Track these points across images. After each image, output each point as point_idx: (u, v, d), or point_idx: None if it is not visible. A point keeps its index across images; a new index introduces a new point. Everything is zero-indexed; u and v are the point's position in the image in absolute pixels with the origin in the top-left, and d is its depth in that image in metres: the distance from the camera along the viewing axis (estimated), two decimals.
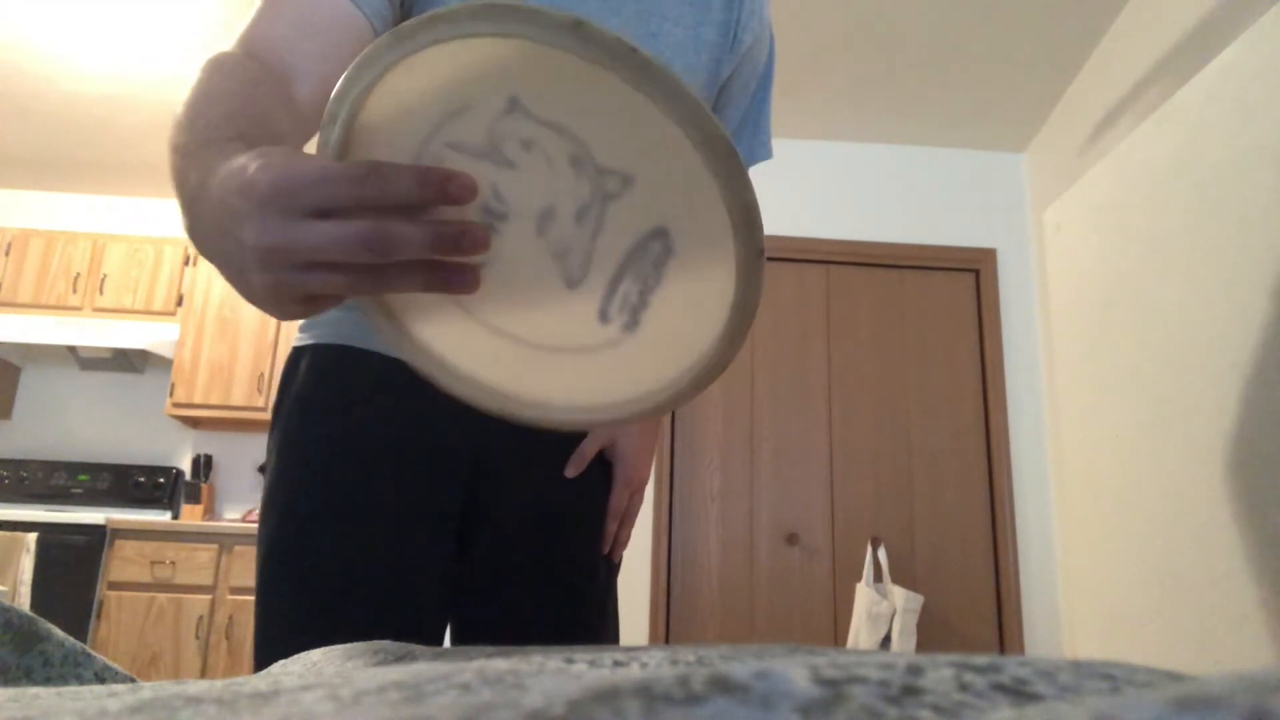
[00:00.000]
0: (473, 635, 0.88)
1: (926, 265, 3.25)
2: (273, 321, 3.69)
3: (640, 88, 0.37)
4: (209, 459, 3.71)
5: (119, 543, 3.16)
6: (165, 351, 3.63)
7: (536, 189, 0.43)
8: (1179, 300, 2.24)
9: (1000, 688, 0.17)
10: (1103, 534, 2.58)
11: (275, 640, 0.77)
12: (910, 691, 0.17)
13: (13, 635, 0.51)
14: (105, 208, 4.07)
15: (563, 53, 0.37)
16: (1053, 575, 2.96)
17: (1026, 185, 3.33)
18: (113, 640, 3.06)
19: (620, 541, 0.95)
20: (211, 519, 3.64)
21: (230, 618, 3.10)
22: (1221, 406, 2.04)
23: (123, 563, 3.14)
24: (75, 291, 3.71)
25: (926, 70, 2.95)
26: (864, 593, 2.77)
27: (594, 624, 0.91)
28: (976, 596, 2.95)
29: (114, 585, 3.12)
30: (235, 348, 3.65)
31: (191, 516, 3.55)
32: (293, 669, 0.42)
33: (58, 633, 0.53)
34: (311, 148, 0.51)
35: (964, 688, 0.17)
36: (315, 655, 0.44)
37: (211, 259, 0.45)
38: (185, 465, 3.81)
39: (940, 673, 0.18)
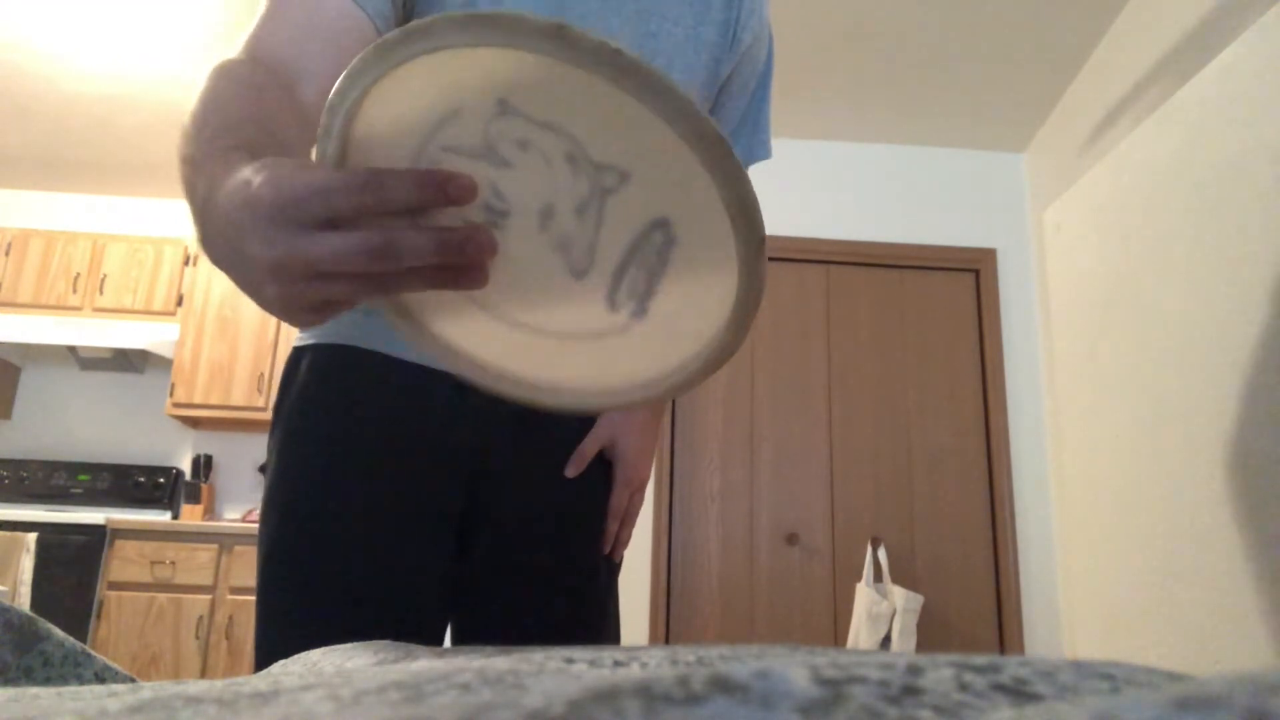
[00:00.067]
0: (473, 635, 0.88)
1: (926, 265, 3.25)
2: (273, 321, 3.69)
3: (628, 89, 0.37)
4: (209, 459, 3.71)
5: (119, 543, 3.16)
6: (165, 351, 3.63)
7: (535, 187, 0.43)
8: (1179, 300, 2.24)
9: (1000, 688, 0.17)
10: (1103, 534, 2.58)
11: (275, 640, 0.77)
12: (910, 691, 0.17)
13: (13, 635, 0.51)
14: (105, 208, 4.08)
15: (548, 58, 0.37)
16: (1053, 575, 2.96)
17: (1026, 185, 3.33)
18: (113, 640, 3.06)
19: (621, 541, 0.95)
20: (211, 519, 3.64)
21: (230, 618, 3.10)
22: (1221, 406, 2.04)
23: (123, 563, 3.14)
24: (75, 291, 3.71)
25: (926, 70, 2.95)
26: (864, 593, 2.77)
27: (594, 624, 0.91)
28: (976, 596, 2.95)
29: (114, 585, 3.12)
30: (235, 348, 3.65)
31: (191, 516, 3.55)
32: (293, 669, 0.42)
33: (58, 633, 0.53)
34: None
35: (964, 688, 0.17)
36: (315, 655, 0.44)
37: (224, 270, 0.46)
38: (185, 465, 3.81)
39: (940, 673, 0.18)
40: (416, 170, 0.40)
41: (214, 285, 3.70)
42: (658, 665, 0.28)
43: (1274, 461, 1.87)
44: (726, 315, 0.44)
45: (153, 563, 3.14)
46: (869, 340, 3.17)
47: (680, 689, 0.16)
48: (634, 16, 0.82)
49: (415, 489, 0.82)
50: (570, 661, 0.27)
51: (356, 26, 0.69)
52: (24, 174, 3.93)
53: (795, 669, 0.17)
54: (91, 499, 3.64)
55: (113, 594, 3.11)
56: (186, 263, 3.79)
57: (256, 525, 0.84)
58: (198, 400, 3.60)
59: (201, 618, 3.09)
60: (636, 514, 0.96)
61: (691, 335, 0.47)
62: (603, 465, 0.94)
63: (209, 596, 3.12)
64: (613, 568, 0.95)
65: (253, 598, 0.90)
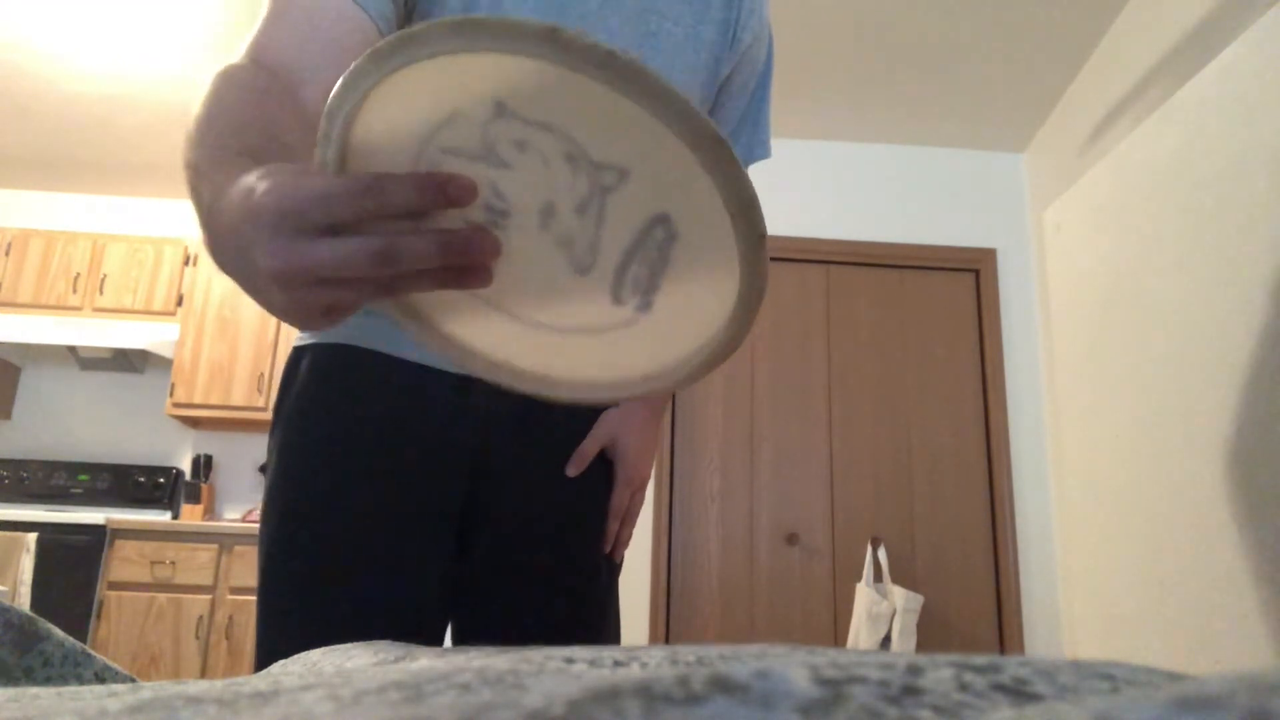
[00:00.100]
0: (473, 635, 0.88)
1: (926, 265, 3.25)
2: (273, 321, 3.69)
3: (623, 91, 0.37)
4: (209, 459, 3.71)
5: (119, 543, 3.16)
6: (165, 351, 3.63)
7: (535, 186, 0.43)
8: (1179, 300, 2.24)
9: (1000, 688, 0.17)
10: (1103, 534, 2.59)
11: (276, 640, 0.77)
12: (910, 691, 0.17)
13: (13, 635, 0.51)
14: (105, 208, 4.08)
15: (541, 61, 0.37)
16: (1053, 575, 2.96)
17: (1026, 185, 3.33)
18: (113, 640, 3.06)
19: (622, 541, 0.95)
20: (211, 519, 3.64)
21: (230, 618, 3.10)
22: (1221, 406, 2.04)
23: (123, 563, 3.14)
24: (75, 291, 3.71)
25: (926, 70, 2.95)
26: (864, 593, 2.77)
27: (594, 624, 0.91)
28: (976, 596, 2.95)
29: (114, 585, 3.12)
30: (235, 348, 3.65)
31: (191, 516, 3.55)
32: (293, 669, 0.42)
33: (58, 633, 0.53)
34: None
35: (964, 688, 0.17)
36: (315, 655, 0.44)
37: (232, 277, 0.46)
38: (185, 465, 3.81)
39: (940, 673, 0.18)
40: (416, 173, 0.40)
41: (214, 285, 3.70)
42: (658, 665, 0.28)
43: (1274, 461, 1.87)
44: (730, 310, 0.45)
45: (153, 563, 3.14)
46: (869, 340, 3.17)
47: (680, 689, 0.16)
48: (634, 15, 0.82)
49: (416, 489, 0.82)
50: (570, 661, 0.27)
51: (359, 28, 0.69)
52: (24, 174, 3.93)
53: (795, 669, 0.17)
54: (91, 499, 3.64)
55: (113, 594, 3.11)
56: (186, 263, 3.79)
57: (256, 525, 0.84)
58: (198, 400, 3.60)
59: (201, 618, 3.09)
60: (637, 513, 0.96)
61: (696, 329, 0.47)
62: (603, 464, 0.94)
63: (209, 596, 3.12)
64: (613, 568, 0.95)
65: (253, 598, 0.91)
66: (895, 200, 3.29)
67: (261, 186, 0.42)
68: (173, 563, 3.15)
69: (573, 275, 0.46)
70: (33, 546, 3.06)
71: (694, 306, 0.46)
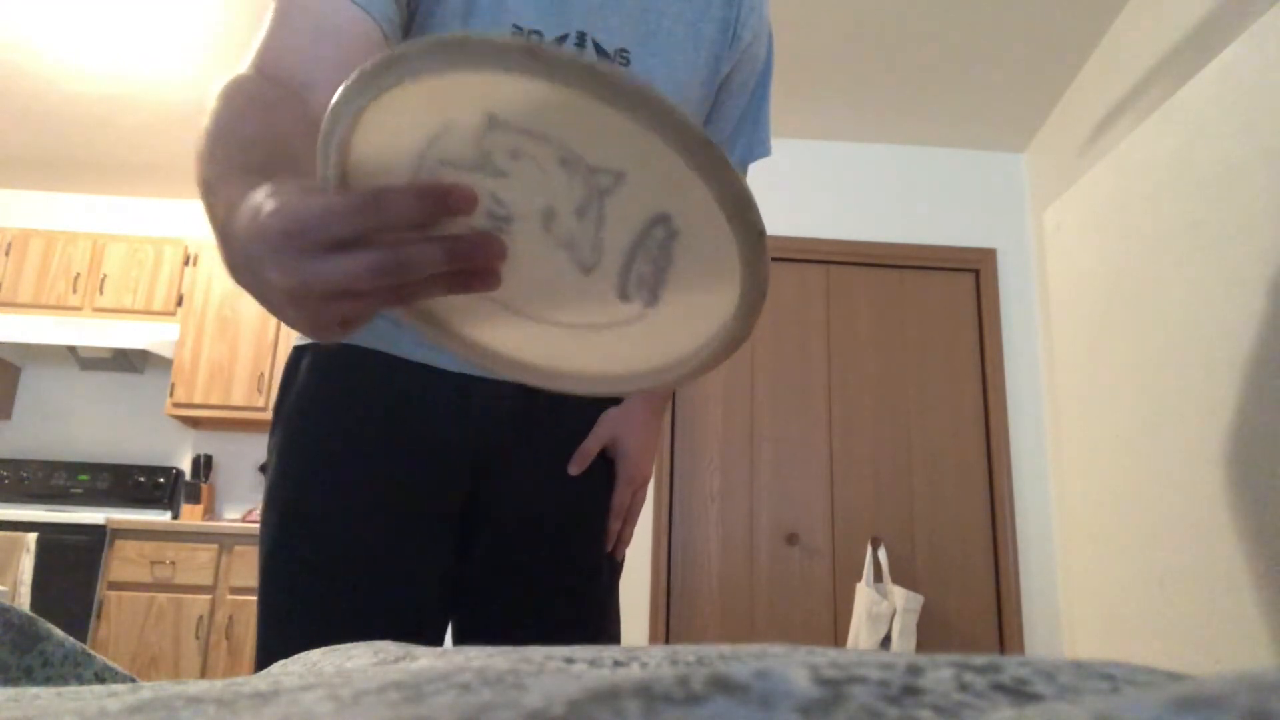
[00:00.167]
0: (473, 635, 0.88)
1: (926, 265, 3.25)
2: (273, 321, 3.69)
3: (607, 101, 0.38)
4: (209, 459, 3.71)
5: (119, 543, 3.16)
6: (165, 351, 3.63)
7: (533, 192, 0.44)
8: (1179, 300, 2.24)
9: (1000, 688, 0.17)
10: (1103, 534, 2.58)
11: (276, 639, 0.77)
12: (910, 691, 0.17)
13: (13, 635, 0.51)
14: (105, 208, 4.07)
15: (525, 76, 0.38)
16: (1053, 575, 2.96)
17: (1026, 185, 3.33)
18: (113, 640, 3.06)
19: (623, 540, 0.95)
20: (211, 519, 3.64)
21: (230, 618, 3.10)
22: (1221, 406, 2.04)
23: (123, 563, 3.14)
24: (75, 291, 3.71)
25: (926, 70, 2.95)
26: (864, 593, 2.77)
27: (595, 624, 0.91)
28: (976, 596, 2.95)
29: (114, 585, 3.12)
30: (235, 348, 3.65)
31: (191, 516, 3.55)
32: (293, 669, 0.42)
33: (58, 633, 0.53)
34: None
35: (964, 688, 0.17)
36: (315, 655, 0.44)
37: (250, 293, 0.48)
38: (185, 465, 3.81)
39: (940, 673, 0.18)
40: (415, 186, 0.41)
41: (214, 285, 3.70)
42: (658, 665, 0.28)
43: (1273, 461, 1.87)
44: (734, 305, 0.46)
45: (153, 563, 3.14)
46: (869, 340, 3.17)
47: (680, 689, 0.16)
48: (634, 14, 0.82)
49: (416, 488, 0.82)
50: (570, 661, 0.27)
51: (364, 33, 0.69)
52: (24, 174, 3.93)
53: (795, 669, 0.17)
54: (91, 499, 3.64)
55: (113, 594, 3.11)
56: (186, 263, 3.78)
57: (256, 525, 0.84)
58: (198, 400, 3.60)
59: (201, 618, 3.09)
60: (639, 512, 0.96)
61: (703, 324, 0.48)
62: (604, 464, 0.94)
63: (209, 596, 3.12)
64: (614, 567, 0.95)
65: (253, 598, 0.91)
66: (895, 200, 3.29)
67: (268, 207, 0.43)
68: (173, 563, 3.15)
69: (579, 275, 0.47)
70: (33, 546, 3.06)
71: (700, 302, 0.47)
